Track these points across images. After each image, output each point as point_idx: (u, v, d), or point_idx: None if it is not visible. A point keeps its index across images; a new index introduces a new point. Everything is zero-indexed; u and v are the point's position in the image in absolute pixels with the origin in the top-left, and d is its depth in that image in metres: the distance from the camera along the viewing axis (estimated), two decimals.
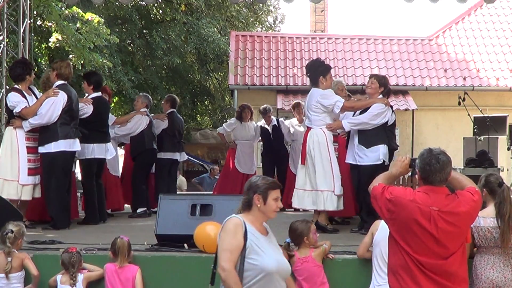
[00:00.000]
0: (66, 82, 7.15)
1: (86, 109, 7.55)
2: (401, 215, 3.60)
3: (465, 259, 3.73)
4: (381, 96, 6.95)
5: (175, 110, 9.39)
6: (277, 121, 10.14)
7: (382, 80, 7.12)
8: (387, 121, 6.89)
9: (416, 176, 3.78)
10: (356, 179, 7.00)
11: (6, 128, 7.19)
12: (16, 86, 7.08)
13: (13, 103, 6.89)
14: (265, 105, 10.46)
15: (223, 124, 10.85)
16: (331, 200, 6.71)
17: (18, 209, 6.34)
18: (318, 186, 6.74)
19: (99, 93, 7.87)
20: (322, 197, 6.71)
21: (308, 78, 7.22)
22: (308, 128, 6.97)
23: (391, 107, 7.06)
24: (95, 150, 7.64)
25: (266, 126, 10.12)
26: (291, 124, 9.93)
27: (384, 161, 6.78)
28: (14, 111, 6.90)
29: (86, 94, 7.99)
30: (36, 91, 7.28)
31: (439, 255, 3.57)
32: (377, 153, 6.75)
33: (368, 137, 6.83)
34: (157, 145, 8.99)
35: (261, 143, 10.61)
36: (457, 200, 3.61)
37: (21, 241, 5.07)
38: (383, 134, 6.85)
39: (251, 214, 3.65)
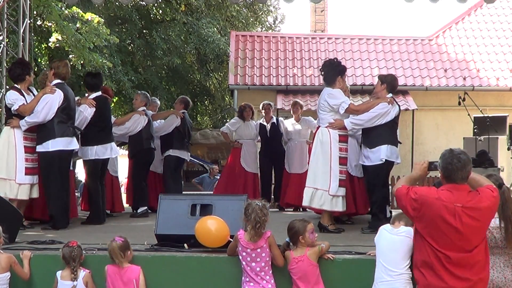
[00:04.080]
0: (63, 82, 7.14)
1: (89, 110, 7.54)
2: (427, 213, 3.91)
3: (487, 250, 4.04)
4: (390, 95, 6.97)
5: (186, 111, 9.44)
6: (277, 120, 10.10)
7: (382, 78, 7.20)
8: (393, 119, 6.88)
9: (439, 175, 4.07)
10: (366, 179, 7.10)
11: (3, 128, 7.19)
12: (15, 85, 7.07)
13: (11, 100, 6.90)
14: (266, 102, 10.37)
15: (227, 124, 10.73)
16: (324, 199, 6.70)
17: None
18: (315, 184, 6.77)
19: (99, 93, 7.86)
20: (318, 195, 6.73)
21: (316, 78, 7.29)
22: (318, 127, 7.01)
23: (397, 103, 7.05)
24: (98, 152, 7.64)
25: (264, 123, 10.06)
26: (288, 123, 9.91)
27: (386, 160, 6.76)
28: (12, 108, 6.90)
29: (86, 94, 7.99)
30: (35, 92, 7.25)
31: (464, 249, 3.87)
32: (378, 154, 6.76)
33: (371, 137, 6.85)
34: (167, 143, 9.05)
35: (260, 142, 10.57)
36: (479, 196, 3.94)
37: (2, 238, 4.99)
38: (386, 133, 6.83)
39: None
